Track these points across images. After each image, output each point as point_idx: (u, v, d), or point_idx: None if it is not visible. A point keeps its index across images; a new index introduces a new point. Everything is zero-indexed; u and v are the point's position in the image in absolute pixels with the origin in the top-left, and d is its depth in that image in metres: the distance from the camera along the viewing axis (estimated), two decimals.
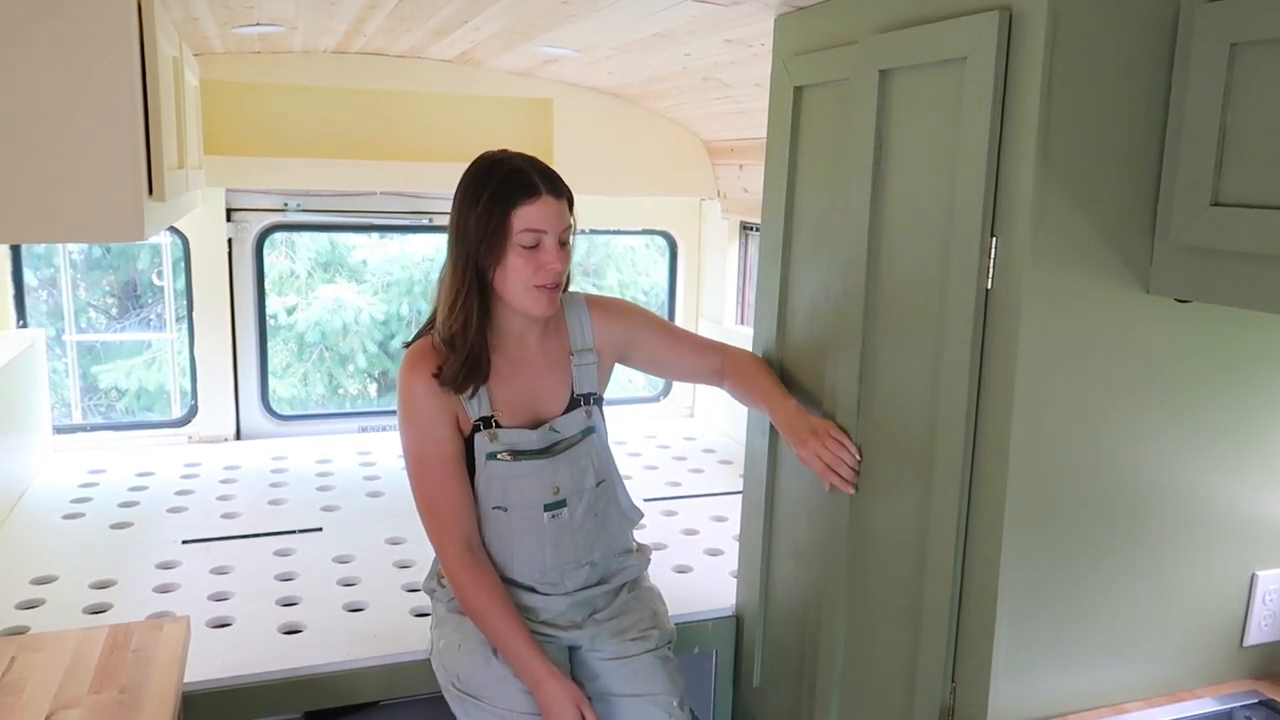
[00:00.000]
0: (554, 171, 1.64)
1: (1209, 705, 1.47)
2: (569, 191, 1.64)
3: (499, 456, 1.66)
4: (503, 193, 1.58)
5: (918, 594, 1.52)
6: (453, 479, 1.66)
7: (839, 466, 1.64)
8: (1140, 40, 1.27)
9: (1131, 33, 1.27)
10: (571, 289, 1.80)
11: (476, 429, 1.66)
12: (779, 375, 1.91)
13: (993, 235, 1.34)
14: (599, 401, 1.79)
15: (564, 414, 1.73)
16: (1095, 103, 1.27)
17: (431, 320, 1.70)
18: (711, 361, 1.91)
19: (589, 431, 1.75)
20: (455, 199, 1.63)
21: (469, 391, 1.65)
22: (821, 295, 1.78)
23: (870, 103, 1.56)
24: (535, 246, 1.59)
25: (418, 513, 1.70)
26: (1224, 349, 1.41)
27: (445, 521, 1.66)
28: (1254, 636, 1.54)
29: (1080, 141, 1.28)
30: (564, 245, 1.63)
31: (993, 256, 1.34)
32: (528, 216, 1.58)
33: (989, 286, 1.35)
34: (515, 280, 1.60)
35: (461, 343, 1.62)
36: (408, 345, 1.71)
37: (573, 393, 1.75)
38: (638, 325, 1.86)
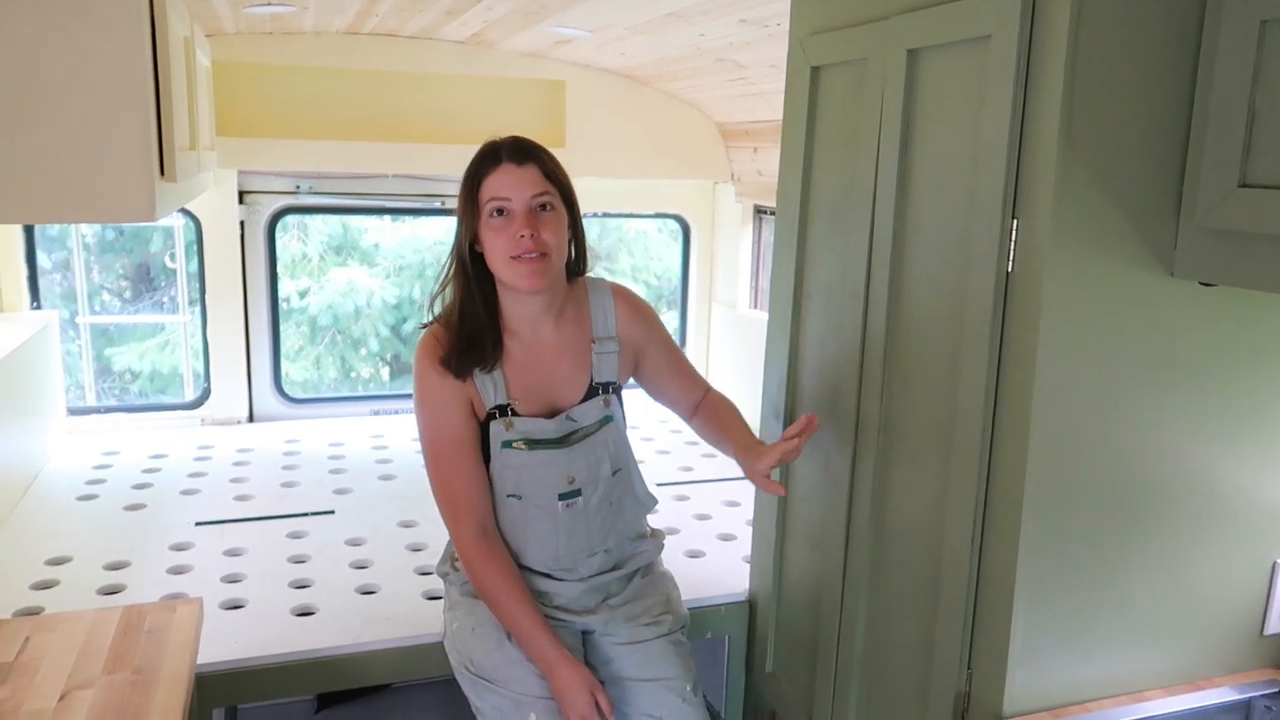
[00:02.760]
0: (530, 142, 1.62)
1: (1228, 694, 1.46)
2: (545, 159, 1.61)
3: (514, 445, 1.65)
4: (474, 168, 1.61)
5: (935, 579, 1.51)
6: (467, 463, 1.65)
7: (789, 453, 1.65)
8: (1167, 17, 1.25)
9: (1158, 9, 1.24)
10: (594, 275, 1.79)
11: (492, 416, 1.65)
12: (793, 352, 1.89)
13: (1014, 217, 1.31)
14: (618, 390, 1.77)
15: (581, 403, 1.72)
16: (1120, 82, 1.25)
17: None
18: (695, 395, 1.90)
19: (606, 421, 1.73)
20: None
21: (473, 374, 1.63)
22: (838, 279, 1.76)
23: (898, 82, 1.53)
24: (503, 215, 1.58)
25: (433, 496, 1.70)
26: (1249, 334, 1.39)
27: (459, 505, 1.66)
28: (1274, 625, 1.52)
29: (1104, 121, 1.25)
30: (545, 210, 1.59)
31: (1013, 239, 1.32)
32: (491, 186, 1.58)
33: (1010, 269, 1.33)
34: (493, 255, 1.60)
35: (458, 323, 1.63)
36: (422, 327, 1.70)
37: (591, 381, 1.73)
38: (655, 334, 1.82)
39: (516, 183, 1.58)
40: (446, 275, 1.66)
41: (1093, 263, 1.28)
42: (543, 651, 1.62)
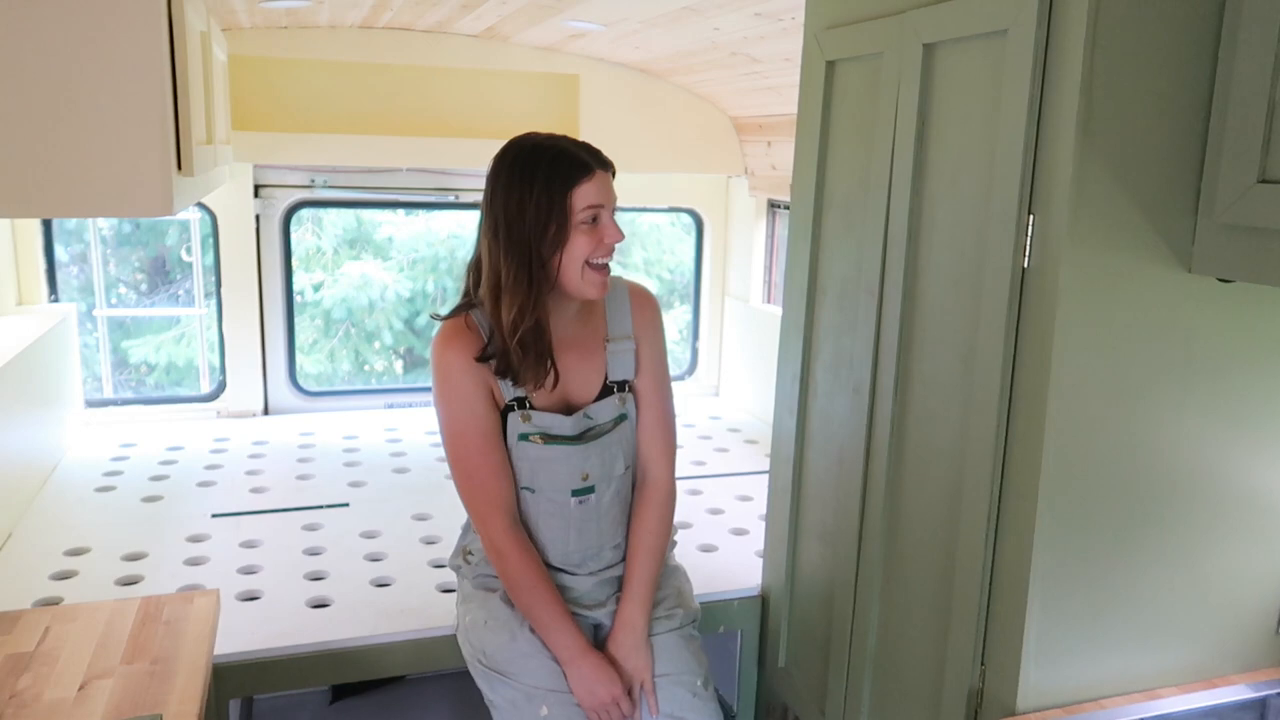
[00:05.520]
0: (591, 145, 1.63)
1: (1243, 692, 1.45)
2: (612, 164, 1.64)
3: (531, 438, 1.65)
4: (559, 175, 1.56)
5: (948, 575, 1.50)
6: (494, 453, 1.65)
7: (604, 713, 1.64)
8: (1186, 10, 1.24)
9: (1177, 4, 1.23)
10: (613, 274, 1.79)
11: (510, 408, 1.65)
12: (806, 347, 1.88)
13: (1030, 213, 1.31)
14: (634, 389, 1.76)
15: (596, 400, 1.71)
16: (1138, 76, 1.24)
17: (466, 300, 1.68)
18: (641, 462, 1.78)
19: (621, 419, 1.73)
20: (498, 187, 1.59)
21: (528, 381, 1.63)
22: (853, 274, 1.75)
23: (914, 77, 1.53)
24: (595, 221, 1.59)
25: (457, 489, 1.69)
26: (1267, 331, 1.38)
27: (490, 496, 1.65)
28: None
29: (1122, 116, 1.24)
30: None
31: (1029, 234, 1.31)
32: (587, 194, 1.57)
33: (1026, 265, 1.32)
34: (572, 259, 1.58)
35: (533, 340, 1.59)
36: (437, 318, 1.69)
37: (606, 379, 1.73)
38: (647, 351, 1.77)
39: (608, 189, 1.60)
40: (534, 295, 1.58)
41: (1109, 258, 1.28)
42: (567, 642, 1.62)
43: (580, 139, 1.63)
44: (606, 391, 1.72)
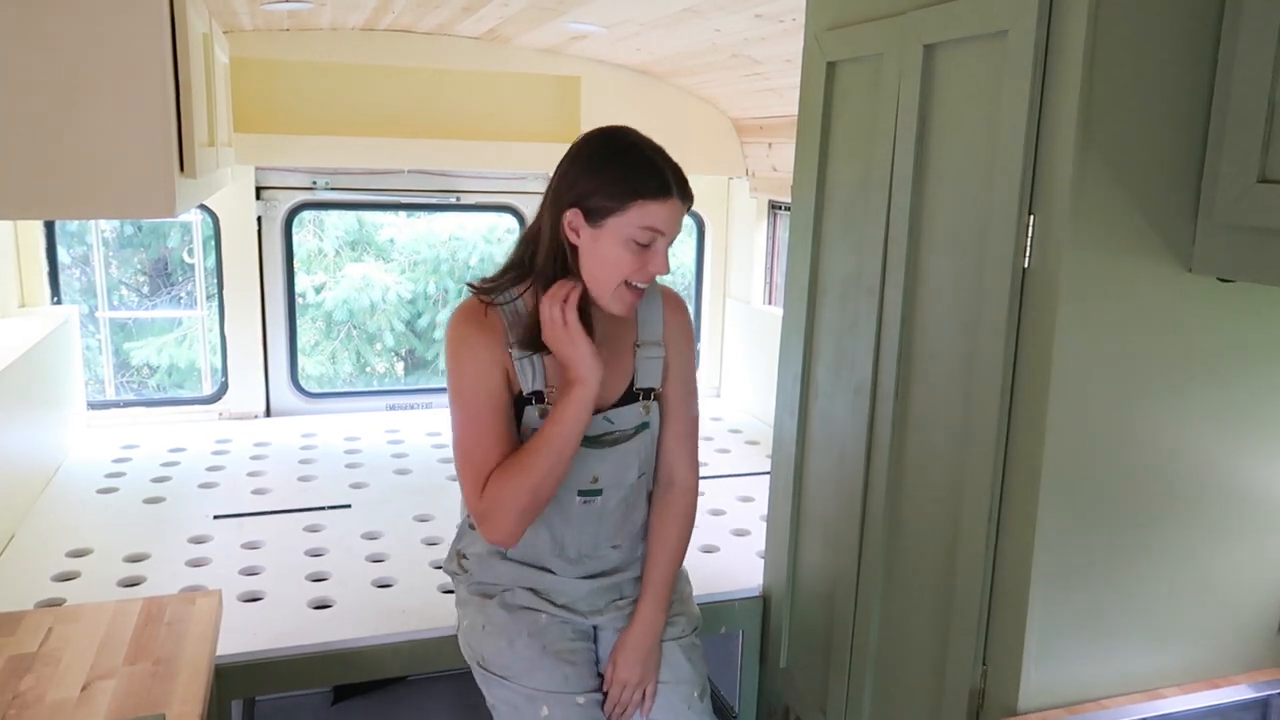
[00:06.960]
0: (682, 171, 1.56)
1: (1245, 692, 1.45)
2: (692, 196, 1.57)
3: None
4: (633, 177, 1.48)
5: (950, 575, 1.51)
6: (499, 425, 1.55)
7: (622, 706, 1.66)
8: (1186, 11, 1.24)
9: (1177, 4, 1.24)
10: None
11: (529, 401, 1.58)
12: (807, 347, 1.88)
13: (1030, 213, 1.31)
14: (660, 398, 1.69)
15: (618, 405, 1.65)
16: (1138, 77, 1.24)
17: (506, 276, 1.59)
18: (667, 466, 1.73)
19: (643, 427, 1.67)
20: (573, 164, 1.52)
21: (513, 350, 1.56)
22: (854, 274, 1.76)
23: (914, 78, 1.53)
24: (648, 245, 1.51)
25: (454, 459, 1.59)
26: (1267, 330, 1.38)
27: (489, 468, 1.54)
28: None
29: (1122, 117, 1.25)
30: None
31: (1030, 235, 1.31)
32: (652, 213, 1.49)
33: (1026, 266, 1.32)
34: (610, 272, 1.51)
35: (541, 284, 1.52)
36: (472, 287, 1.61)
37: (632, 385, 1.66)
38: (677, 356, 1.71)
39: (674, 220, 1.52)
40: (539, 258, 1.54)
41: (1110, 258, 1.28)
42: (559, 406, 1.52)
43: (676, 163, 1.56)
44: (631, 398, 1.67)
